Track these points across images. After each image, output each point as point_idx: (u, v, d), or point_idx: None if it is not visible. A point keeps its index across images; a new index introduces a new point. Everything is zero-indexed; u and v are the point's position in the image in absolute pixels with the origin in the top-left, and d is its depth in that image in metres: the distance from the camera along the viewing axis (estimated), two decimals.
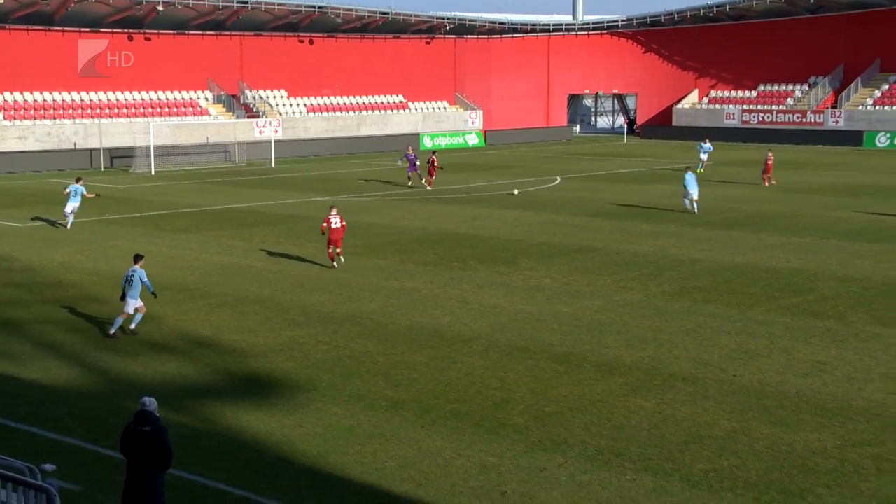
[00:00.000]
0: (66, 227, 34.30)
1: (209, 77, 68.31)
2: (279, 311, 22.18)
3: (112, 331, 20.11)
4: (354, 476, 13.19)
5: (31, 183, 49.26)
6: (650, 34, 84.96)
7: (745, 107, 77.84)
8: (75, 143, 59.07)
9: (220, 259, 28.44)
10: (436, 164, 45.89)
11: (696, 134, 76.50)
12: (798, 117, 73.14)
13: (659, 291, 23.92)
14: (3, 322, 21.38)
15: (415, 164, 46.59)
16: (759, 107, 77.27)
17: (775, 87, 78.70)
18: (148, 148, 55.34)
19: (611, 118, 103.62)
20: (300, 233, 33.05)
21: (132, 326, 20.32)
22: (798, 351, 18.80)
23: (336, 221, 26.71)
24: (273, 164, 58.60)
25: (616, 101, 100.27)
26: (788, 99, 77.07)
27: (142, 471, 10.56)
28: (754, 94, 79.08)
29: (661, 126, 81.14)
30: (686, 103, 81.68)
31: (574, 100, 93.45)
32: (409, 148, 49.35)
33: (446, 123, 77.83)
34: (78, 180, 34.99)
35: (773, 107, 76.61)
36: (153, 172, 53.93)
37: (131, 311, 20.16)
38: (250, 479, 13.11)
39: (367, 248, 30.18)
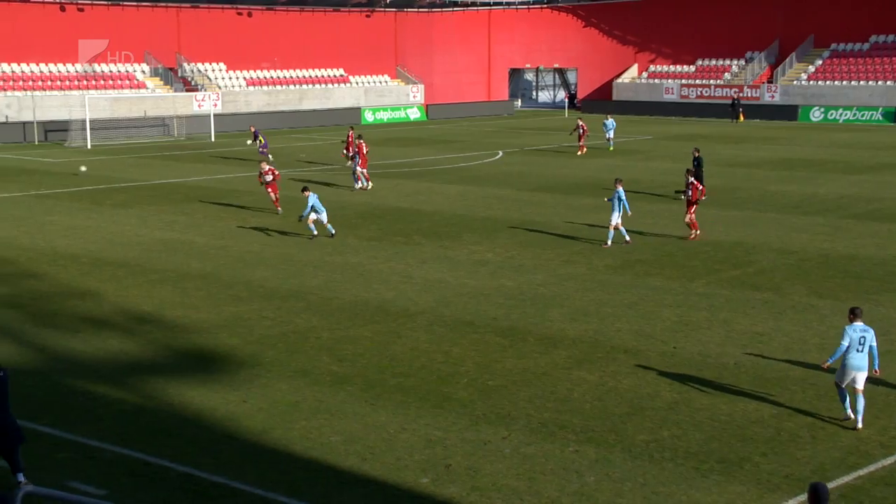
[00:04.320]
0: None
1: (146, 49, 67.13)
2: (222, 287, 21.99)
3: None
4: (300, 451, 13.17)
5: None
6: (591, 8, 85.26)
7: (683, 81, 78.56)
8: (7, 116, 57.75)
9: (161, 234, 28.08)
10: (364, 149, 37.11)
11: (637, 108, 77.26)
12: (735, 92, 74.01)
13: (602, 265, 24.13)
14: None
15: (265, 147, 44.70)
16: (698, 81, 78.03)
17: (713, 62, 79.50)
18: (84, 121, 54.31)
19: (552, 92, 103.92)
20: (241, 208, 32.73)
21: None
22: (737, 323, 19.12)
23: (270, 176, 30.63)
24: (213, 139, 57.89)
25: (557, 76, 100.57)
26: (726, 74, 77.93)
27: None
28: (693, 68, 79.82)
29: (602, 100, 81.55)
30: (626, 78, 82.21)
31: (515, 74, 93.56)
32: (251, 127, 48.11)
33: (388, 97, 77.46)
34: None
35: (711, 81, 77.44)
36: (89, 146, 52.97)
37: None
38: (194, 455, 13.02)
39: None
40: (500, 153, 50.33)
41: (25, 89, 60.18)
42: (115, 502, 7.71)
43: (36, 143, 55.63)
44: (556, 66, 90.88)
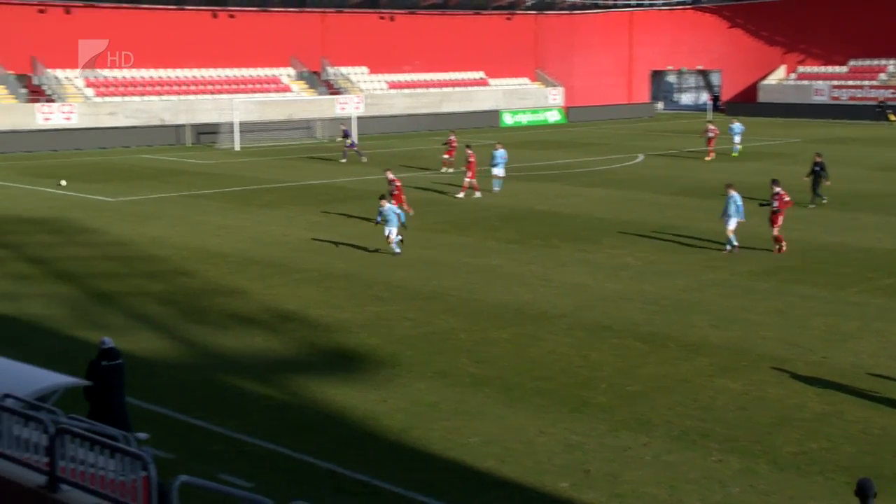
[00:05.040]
0: None
1: (292, 54, 68.93)
2: (364, 287, 22.37)
3: None
4: (439, 451, 13.28)
5: (122, 158, 50.37)
6: (736, 8, 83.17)
7: (834, 83, 75.82)
8: (163, 119, 60.20)
9: (306, 234, 28.76)
10: (472, 157, 35.51)
11: (783, 110, 74.91)
12: (892, 93, 70.92)
13: (746, 271, 23.52)
14: (98, 294, 21.97)
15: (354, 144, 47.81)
16: (850, 82, 75.18)
17: (867, 63, 76.46)
18: (232, 124, 56.13)
19: (694, 95, 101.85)
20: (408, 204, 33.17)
21: None
22: (892, 333, 18.34)
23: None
24: (355, 141, 58.91)
25: (700, 78, 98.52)
26: (881, 74, 74.83)
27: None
28: (845, 69, 76.96)
29: (746, 103, 79.46)
30: (772, 79, 79.88)
31: (657, 76, 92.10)
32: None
33: (527, 100, 77.37)
34: None
35: (865, 82, 74.48)
36: (238, 148, 54.71)
37: None
38: (337, 452, 13.29)
39: (451, 225, 30.24)
40: (641, 156, 49.64)
41: (180, 94, 62.61)
42: (261, 496, 7.95)
43: (188, 145, 57.78)
44: (699, 67, 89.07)
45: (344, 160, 48.18)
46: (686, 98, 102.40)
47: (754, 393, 15.29)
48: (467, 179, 35.29)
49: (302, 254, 26.10)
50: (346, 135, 49.43)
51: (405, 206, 28.47)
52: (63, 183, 38.58)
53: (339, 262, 24.96)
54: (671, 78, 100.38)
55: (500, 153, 36.83)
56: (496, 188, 36.40)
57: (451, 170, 42.22)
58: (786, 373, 16.17)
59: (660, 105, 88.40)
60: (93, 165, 47.28)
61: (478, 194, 35.24)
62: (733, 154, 48.18)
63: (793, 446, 13.21)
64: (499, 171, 36.56)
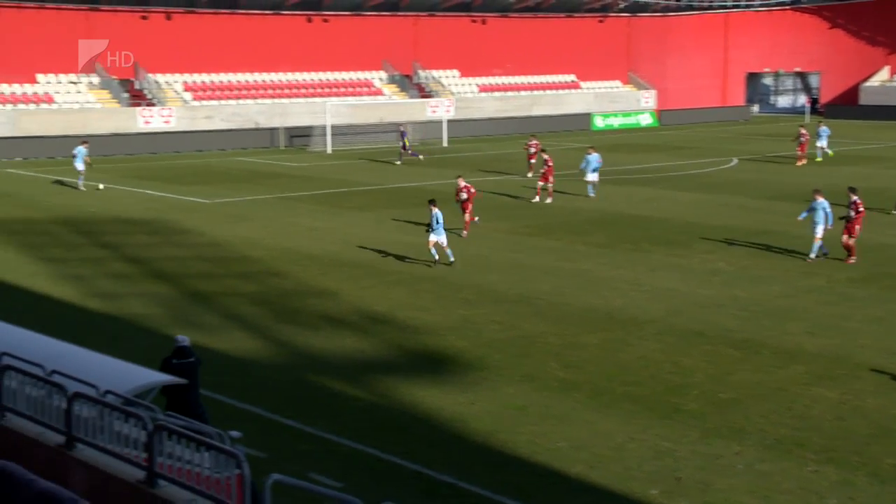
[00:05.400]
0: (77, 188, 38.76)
1: (384, 58, 69.53)
2: (452, 290, 22.43)
3: None
4: (526, 455, 13.24)
5: (218, 161, 51.45)
6: (837, 9, 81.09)
7: None
8: (257, 123, 61.30)
9: (395, 237, 28.95)
10: (550, 162, 35.58)
11: (886, 113, 72.73)
12: None
13: (844, 278, 22.93)
14: (193, 294, 22.47)
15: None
16: None
17: None
18: (325, 127, 56.86)
19: (792, 97, 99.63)
20: (473, 212, 33.20)
21: None
22: None
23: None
24: (445, 144, 59.20)
25: (798, 80, 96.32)
26: None
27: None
28: None
29: (847, 105, 77.43)
30: (875, 81, 77.65)
31: (752, 78, 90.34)
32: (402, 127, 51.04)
33: (619, 103, 76.71)
34: (83, 143, 40.10)
35: None
36: (330, 151, 55.40)
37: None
38: (424, 453, 13.35)
39: (539, 228, 30.15)
40: (735, 160, 48.77)
41: (274, 97, 63.68)
42: (351, 496, 8.03)
43: (282, 147, 58.72)
44: (797, 69, 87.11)
45: (403, 160, 48.42)
46: (783, 101, 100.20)
47: (852, 402, 14.89)
48: (541, 183, 35.32)
49: (391, 256, 26.29)
50: (402, 136, 49.87)
51: (469, 215, 28.24)
52: (101, 187, 39.13)
53: (427, 265, 25.05)
54: (767, 80, 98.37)
55: (594, 157, 36.60)
56: (592, 193, 36.08)
57: (531, 174, 42.11)
58: (886, 382, 15.71)
59: (755, 108, 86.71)
60: (190, 168, 48.40)
61: (549, 200, 35.02)
62: (817, 159, 46.91)
63: (893, 458, 12.82)
64: (593, 177, 36.35)
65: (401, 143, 49.61)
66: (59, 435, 9.33)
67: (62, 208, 34.90)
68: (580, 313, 20.24)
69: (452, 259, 24.47)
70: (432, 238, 24.27)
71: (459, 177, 29.34)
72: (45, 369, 10.39)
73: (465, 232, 28.36)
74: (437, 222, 24.02)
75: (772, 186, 38.58)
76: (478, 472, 12.76)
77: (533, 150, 42.80)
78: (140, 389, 11.41)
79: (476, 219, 28.69)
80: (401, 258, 25.75)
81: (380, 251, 26.65)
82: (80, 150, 39.58)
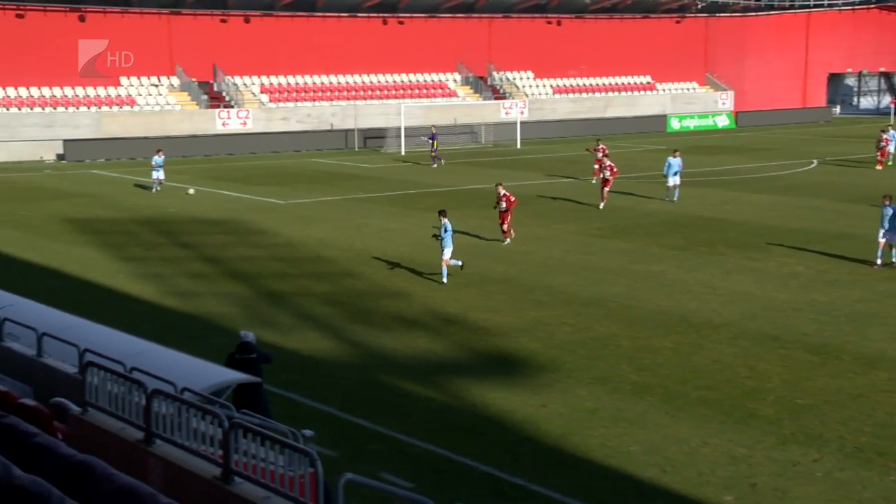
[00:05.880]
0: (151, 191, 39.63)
1: (458, 60, 69.65)
2: (524, 292, 22.39)
3: None
4: (598, 459, 13.16)
5: (293, 162, 52.07)
6: None
7: None
8: (332, 124, 61.88)
9: (467, 239, 28.96)
10: (614, 170, 35.17)
11: None
12: None
13: None
14: (268, 293, 22.79)
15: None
16: None
17: None
18: (399, 129, 57.15)
19: (875, 98, 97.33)
20: (545, 213, 33.17)
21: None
22: None
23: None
24: (519, 146, 59.09)
25: (882, 80, 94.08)
26: None
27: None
28: None
29: None
30: None
31: (834, 79, 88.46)
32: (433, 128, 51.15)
33: (695, 105, 75.70)
34: (158, 152, 40.29)
35: None
36: (403, 153, 55.67)
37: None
38: (495, 455, 13.35)
39: (612, 230, 29.94)
40: (815, 162, 47.83)
41: (349, 99, 64.23)
42: (422, 496, 8.09)
43: (356, 149, 59.20)
44: (882, 69, 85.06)
45: (435, 165, 48.48)
46: (866, 102, 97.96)
47: None
48: (606, 189, 34.44)
49: (463, 257, 26.26)
50: (432, 138, 49.97)
51: (508, 226, 27.76)
52: (191, 191, 39.44)
53: (499, 266, 25.06)
54: (850, 81, 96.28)
55: (677, 161, 36.23)
56: (674, 198, 35.53)
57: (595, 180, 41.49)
58: None
59: (837, 109, 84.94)
60: (266, 169, 49.06)
61: (601, 205, 34.01)
62: (888, 163, 45.72)
63: None
64: (675, 180, 35.91)
65: (431, 146, 49.76)
66: (138, 430, 9.54)
67: (143, 209, 35.67)
68: (653, 316, 20.05)
69: (445, 281, 23.24)
70: (446, 255, 23.22)
71: (499, 184, 28.83)
72: (126, 366, 10.65)
73: (507, 240, 27.86)
74: (446, 230, 23.21)
75: (853, 189, 37.76)
76: (548, 475, 12.72)
77: (600, 154, 42.34)
78: (216, 387, 11.62)
79: (512, 232, 27.99)
80: (471, 259, 25.77)
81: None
82: (157, 160, 39.97)
